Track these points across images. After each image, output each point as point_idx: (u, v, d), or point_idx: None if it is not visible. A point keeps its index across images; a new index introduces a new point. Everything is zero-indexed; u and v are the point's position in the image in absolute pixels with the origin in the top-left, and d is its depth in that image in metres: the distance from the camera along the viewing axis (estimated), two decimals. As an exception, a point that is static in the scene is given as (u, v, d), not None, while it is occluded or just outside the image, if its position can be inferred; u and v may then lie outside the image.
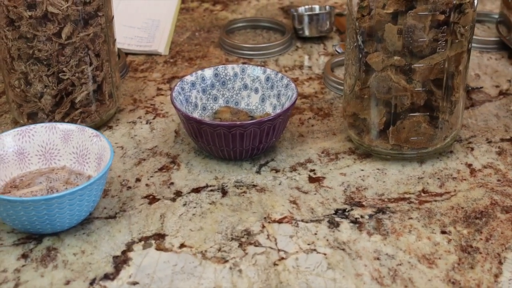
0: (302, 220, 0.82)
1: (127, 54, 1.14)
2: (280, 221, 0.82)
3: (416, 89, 0.86)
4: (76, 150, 0.85)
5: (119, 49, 1.12)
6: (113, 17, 0.95)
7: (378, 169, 0.90)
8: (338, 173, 0.89)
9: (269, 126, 0.87)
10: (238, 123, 0.85)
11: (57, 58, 0.90)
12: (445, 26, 0.83)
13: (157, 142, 0.95)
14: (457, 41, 0.85)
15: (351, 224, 0.81)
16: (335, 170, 0.90)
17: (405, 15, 0.83)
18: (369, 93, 0.88)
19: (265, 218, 0.82)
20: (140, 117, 1.00)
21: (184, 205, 0.84)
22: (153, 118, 1.00)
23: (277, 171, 0.90)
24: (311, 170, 0.90)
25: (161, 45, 1.16)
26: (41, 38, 0.88)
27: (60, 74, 0.91)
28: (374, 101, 0.88)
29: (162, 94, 1.05)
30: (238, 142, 0.87)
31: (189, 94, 0.94)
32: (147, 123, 0.99)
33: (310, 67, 1.12)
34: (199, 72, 0.95)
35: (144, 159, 0.92)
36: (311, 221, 0.82)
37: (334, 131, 0.97)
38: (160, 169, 0.90)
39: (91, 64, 0.92)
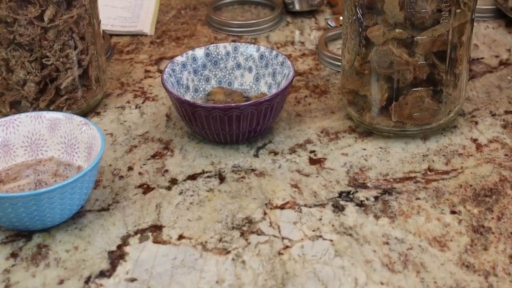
0: (305, 205, 0.78)
1: (111, 35, 1.10)
2: (282, 207, 0.78)
3: (419, 63, 0.82)
4: (64, 140, 0.81)
5: (103, 31, 1.07)
6: (96, -3, 0.90)
7: (381, 147, 0.86)
8: (340, 154, 0.85)
9: (267, 107, 0.83)
10: (234, 105, 0.81)
11: (40, 42, 0.85)
12: (449, -4, 0.79)
13: (148, 127, 0.91)
14: (459, 11, 0.81)
15: (357, 207, 0.78)
16: (336, 151, 0.86)
17: (406, -15, 0.79)
18: (370, 68, 0.84)
19: (266, 204, 0.78)
20: (128, 102, 0.96)
21: (181, 193, 0.80)
22: (143, 102, 0.95)
23: (275, 153, 0.86)
24: (311, 151, 0.86)
25: (146, 25, 1.11)
26: (22, 22, 0.83)
27: (43, 60, 0.86)
28: (375, 77, 0.84)
29: (151, 77, 1.00)
30: (234, 125, 0.83)
31: (180, 76, 0.90)
32: (136, 108, 0.94)
33: (302, 43, 1.08)
34: (190, 52, 0.91)
35: (136, 146, 0.88)
36: (315, 205, 0.78)
37: (332, 109, 0.93)
38: (153, 156, 0.86)
39: (76, 48, 0.88)
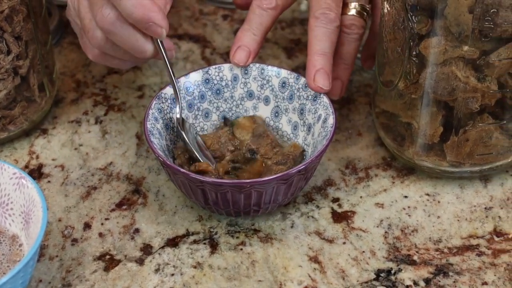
0: (331, 296, 0.56)
1: (60, 7, 0.84)
2: (299, 298, 0.56)
3: (491, 91, 0.59)
4: (-8, 195, 0.57)
5: (49, 2, 0.82)
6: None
7: (428, 194, 0.64)
8: (373, 204, 0.63)
9: (300, 177, 0.59)
10: (252, 181, 0.57)
11: (-44, 47, 0.61)
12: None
13: (112, 156, 0.67)
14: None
15: (402, 298, 0.56)
16: (368, 199, 0.64)
17: (480, -17, 0.55)
18: (421, 92, 0.61)
19: (276, 291, 0.56)
20: (86, 113, 0.72)
21: (157, 270, 0.58)
22: (105, 114, 0.71)
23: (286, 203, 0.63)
24: (334, 200, 0.63)
25: (110, -8, 0.85)
26: None
27: (-38, 70, 0.62)
28: (426, 104, 0.61)
29: (116, 72, 0.76)
30: (253, 202, 0.59)
31: (171, 116, 0.64)
32: (96, 123, 0.70)
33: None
34: (182, 79, 0.65)
35: (95, 188, 0.64)
36: (345, 295, 0.56)
37: (358, 128, 0.70)
38: (119, 205, 0.63)
39: (9, 52, 0.63)
